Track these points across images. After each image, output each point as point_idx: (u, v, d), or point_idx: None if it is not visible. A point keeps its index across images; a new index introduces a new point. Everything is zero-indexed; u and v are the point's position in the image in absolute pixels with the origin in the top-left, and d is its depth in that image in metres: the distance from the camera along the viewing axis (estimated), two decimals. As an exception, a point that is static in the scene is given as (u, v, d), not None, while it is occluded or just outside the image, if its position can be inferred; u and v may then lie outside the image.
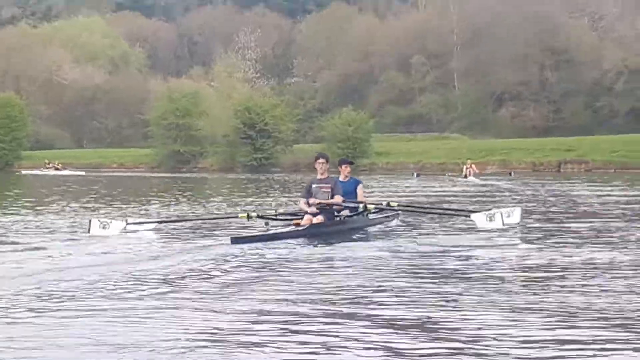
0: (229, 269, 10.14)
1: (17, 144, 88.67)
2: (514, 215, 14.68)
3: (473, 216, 14.01)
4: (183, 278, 9.43)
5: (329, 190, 14.40)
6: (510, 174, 52.73)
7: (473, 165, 49.78)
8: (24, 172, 70.46)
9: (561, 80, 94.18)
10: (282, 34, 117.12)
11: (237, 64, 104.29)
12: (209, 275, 9.67)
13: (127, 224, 14.84)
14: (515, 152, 75.07)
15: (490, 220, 13.60)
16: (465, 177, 47.49)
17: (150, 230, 14.93)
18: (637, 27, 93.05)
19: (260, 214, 15.15)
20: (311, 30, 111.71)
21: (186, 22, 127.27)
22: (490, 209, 14.57)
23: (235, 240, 12.52)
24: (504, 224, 13.69)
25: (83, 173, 64.97)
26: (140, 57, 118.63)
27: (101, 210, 21.12)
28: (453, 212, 16.82)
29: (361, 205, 14.89)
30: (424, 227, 15.94)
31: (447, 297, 8.08)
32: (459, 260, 10.88)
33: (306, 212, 14.15)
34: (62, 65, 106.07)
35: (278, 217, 15.03)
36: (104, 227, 14.34)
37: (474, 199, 26.51)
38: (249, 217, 14.68)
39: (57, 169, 68.80)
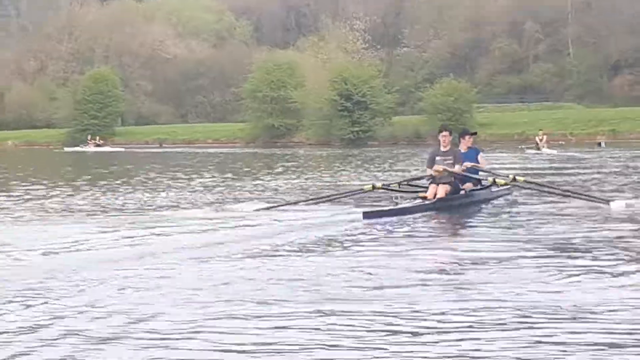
0: (363, 242, 10.68)
1: (111, 120, 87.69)
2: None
3: (612, 204, 13.07)
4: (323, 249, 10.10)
5: (452, 162, 14.55)
6: (599, 144, 47.73)
7: (545, 136, 45.48)
8: (65, 149, 70.28)
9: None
10: (391, 3, 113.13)
11: (345, 35, 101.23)
12: (344, 247, 10.24)
13: (266, 208, 14.93)
14: (627, 122, 69.66)
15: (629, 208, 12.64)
16: (538, 148, 43.40)
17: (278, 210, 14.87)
18: None
19: (383, 185, 15.41)
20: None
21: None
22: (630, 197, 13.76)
23: (367, 215, 12.81)
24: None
25: (122, 149, 66.47)
26: (246, 29, 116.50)
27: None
28: (587, 198, 14.68)
29: (490, 179, 15.36)
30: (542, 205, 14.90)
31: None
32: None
33: (430, 177, 14.51)
34: (165, 40, 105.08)
35: (401, 188, 15.32)
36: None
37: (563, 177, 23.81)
38: (374, 187, 15.01)
39: (97, 145, 69.67)
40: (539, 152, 42.73)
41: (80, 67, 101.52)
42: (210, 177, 26.62)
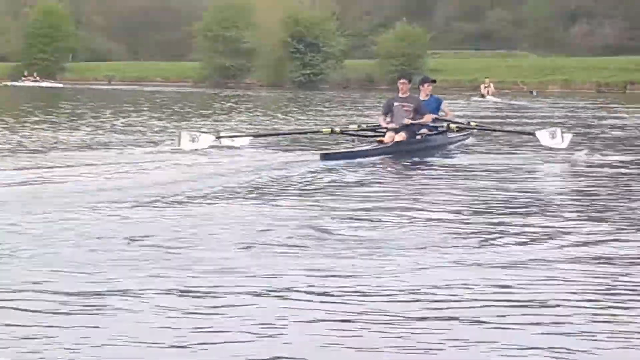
0: (320, 184, 10.69)
1: (61, 55, 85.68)
2: (566, 139, 14.35)
3: (537, 134, 14.54)
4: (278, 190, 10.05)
5: (411, 109, 14.73)
6: (531, 92, 47.83)
7: (492, 84, 45.01)
8: (4, 83, 69.12)
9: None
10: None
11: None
12: (302, 189, 10.20)
13: (218, 137, 15.22)
14: (579, 71, 69.31)
15: (553, 137, 14.08)
16: (483, 96, 42.99)
17: (240, 144, 15.15)
18: None
19: (342, 129, 15.54)
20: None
21: None
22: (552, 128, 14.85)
23: (325, 157, 13.11)
24: (562, 141, 14.05)
25: (61, 85, 66.50)
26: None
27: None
28: (520, 132, 18.30)
29: (444, 124, 15.32)
30: (494, 145, 16.73)
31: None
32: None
33: (387, 129, 14.54)
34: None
35: (359, 132, 15.50)
36: (193, 141, 14.51)
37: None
38: (332, 131, 15.19)
39: (35, 80, 69.01)
40: (483, 99, 42.22)
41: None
42: (139, 117, 25.98)
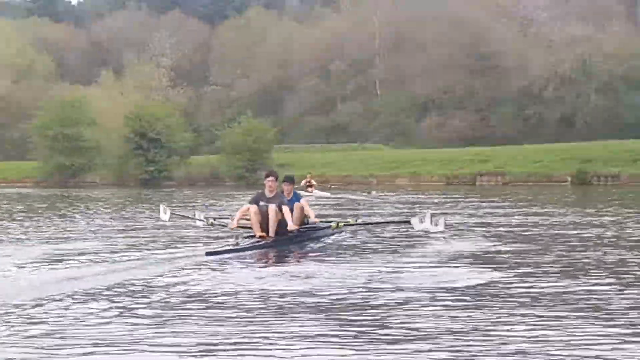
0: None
1: None
2: (440, 222, 14.48)
3: (412, 220, 14.41)
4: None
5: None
6: (369, 192, 44.46)
7: (312, 179, 42.80)
8: None
9: (488, 87, 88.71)
10: (198, 40, 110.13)
11: (150, 71, 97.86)
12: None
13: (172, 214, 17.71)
14: (427, 164, 68.46)
15: (421, 222, 14.16)
16: (308, 191, 40.60)
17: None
18: (567, 32, 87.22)
19: (217, 220, 16.56)
20: (229, 37, 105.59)
21: (98, 28, 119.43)
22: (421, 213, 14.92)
23: (210, 253, 13.11)
24: (433, 225, 14.15)
25: None
26: (49, 64, 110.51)
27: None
28: (397, 222, 18.09)
29: (333, 223, 15.81)
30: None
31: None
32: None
33: (260, 235, 14.46)
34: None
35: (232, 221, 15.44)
36: (165, 212, 17.18)
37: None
38: (211, 223, 16.35)
39: None
40: (309, 194, 39.89)
41: None
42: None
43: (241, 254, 13.39)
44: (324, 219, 17.10)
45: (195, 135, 78.57)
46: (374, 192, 44.10)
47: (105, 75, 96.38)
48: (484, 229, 18.52)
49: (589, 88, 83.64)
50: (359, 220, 17.72)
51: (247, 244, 14.13)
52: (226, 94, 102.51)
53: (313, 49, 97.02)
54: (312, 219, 15.62)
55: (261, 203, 14.65)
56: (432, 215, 14.36)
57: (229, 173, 71.41)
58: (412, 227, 14.46)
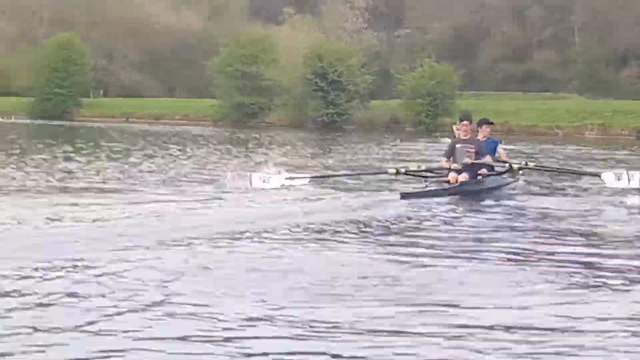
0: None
1: (77, 90, 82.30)
2: (635, 178, 14.20)
3: (603, 176, 14.57)
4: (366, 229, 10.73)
5: (473, 150, 15.15)
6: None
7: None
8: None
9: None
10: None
11: (344, 13, 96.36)
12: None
13: (286, 178, 15.61)
14: (619, 115, 63.67)
15: (618, 179, 14.11)
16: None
17: (306, 184, 15.63)
18: None
19: (406, 170, 15.89)
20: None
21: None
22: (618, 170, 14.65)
23: (404, 196, 14.01)
24: (629, 184, 14.03)
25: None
26: (242, 1, 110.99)
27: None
28: (583, 173, 18.32)
29: (507, 165, 15.81)
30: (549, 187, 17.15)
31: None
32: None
33: (450, 169, 14.98)
34: (155, 10, 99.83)
35: (422, 173, 15.77)
36: (264, 182, 15.31)
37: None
38: (397, 172, 15.60)
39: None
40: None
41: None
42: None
43: (432, 198, 14.11)
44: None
45: (378, 78, 76.13)
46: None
47: (289, 14, 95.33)
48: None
49: None
50: (539, 166, 18.04)
51: (436, 188, 14.87)
52: (419, 38, 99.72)
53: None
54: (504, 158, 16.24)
55: (458, 146, 15.31)
56: (629, 172, 14.38)
57: (408, 118, 69.35)
58: (603, 182, 14.59)
